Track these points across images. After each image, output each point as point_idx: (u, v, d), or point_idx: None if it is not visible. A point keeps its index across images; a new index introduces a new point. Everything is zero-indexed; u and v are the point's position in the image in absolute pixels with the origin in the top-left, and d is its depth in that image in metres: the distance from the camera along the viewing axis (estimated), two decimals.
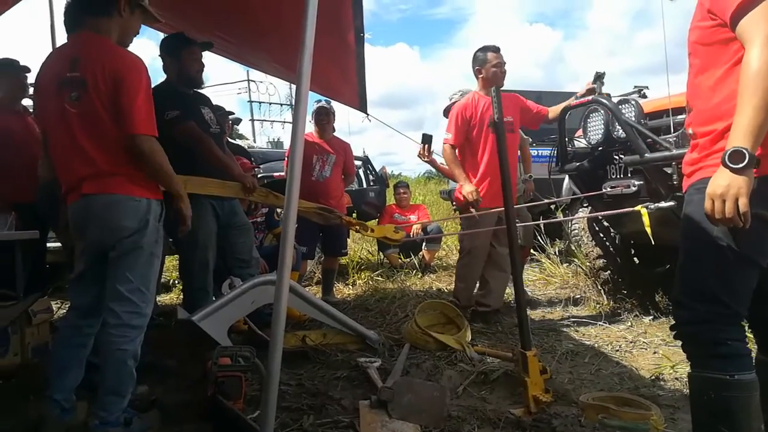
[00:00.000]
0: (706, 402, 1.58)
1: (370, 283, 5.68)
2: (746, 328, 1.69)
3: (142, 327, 2.15)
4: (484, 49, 3.99)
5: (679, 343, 1.69)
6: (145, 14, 2.30)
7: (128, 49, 2.23)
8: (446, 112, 4.58)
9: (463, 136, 3.96)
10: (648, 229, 2.99)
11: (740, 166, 1.37)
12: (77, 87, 2.05)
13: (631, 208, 3.20)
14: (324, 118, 4.74)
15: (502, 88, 3.03)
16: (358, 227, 3.71)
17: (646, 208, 3.07)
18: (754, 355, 2.61)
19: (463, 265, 4.11)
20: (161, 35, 3.75)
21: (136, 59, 2.13)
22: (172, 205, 2.26)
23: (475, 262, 4.01)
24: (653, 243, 3.10)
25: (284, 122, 22.69)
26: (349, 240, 7.42)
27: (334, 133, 4.90)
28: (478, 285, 4.11)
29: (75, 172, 2.10)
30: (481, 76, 3.98)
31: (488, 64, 3.94)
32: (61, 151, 2.14)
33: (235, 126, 8.27)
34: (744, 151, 1.36)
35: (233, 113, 6.40)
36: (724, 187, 1.39)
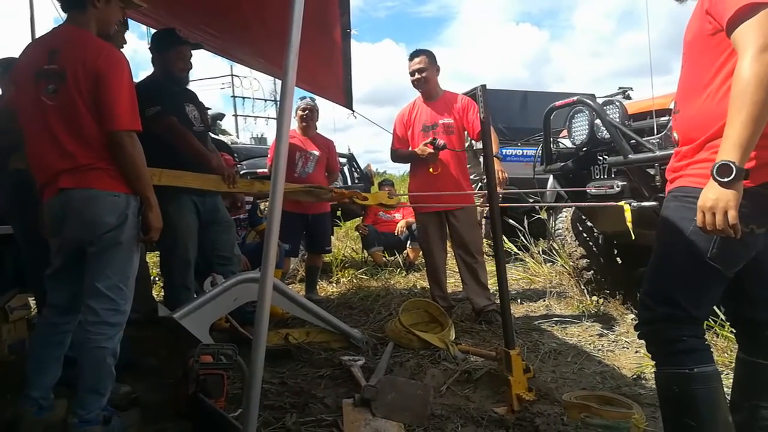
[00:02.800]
0: (671, 397, 1.63)
1: (354, 281, 5.66)
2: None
3: (121, 324, 2.11)
4: (409, 57, 4.02)
5: None
6: (125, 2, 2.27)
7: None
8: None
9: (405, 142, 4.07)
10: (629, 225, 3.01)
11: (727, 180, 1.38)
12: (54, 79, 2.01)
13: (614, 203, 3.23)
14: (308, 114, 4.71)
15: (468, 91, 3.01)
16: (352, 197, 3.62)
17: (629, 204, 3.09)
18: (719, 351, 2.66)
19: (426, 268, 4.22)
20: (142, 26, 3.71)
21: (117, 53, 2.10)
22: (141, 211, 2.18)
23: (433, 261, 4.06)
24: (634, 238, 3.13)
25: (268, 118, 22.54)
26: (333, 237, 7.41)
27: (318, 131, 4.87)
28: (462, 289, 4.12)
29: (51, 165, 2.05)
30: None
31: (409, 74, 3.99)
32: (37, 143, 2.09)
33: (218, 121, 8.20)
34: (731, 164, 1.37)
35: (210, 108, 6.31)
36: (713, 200, 1.40)
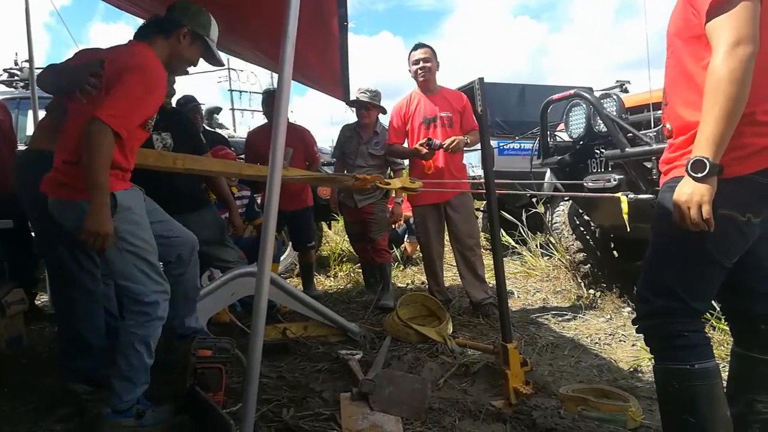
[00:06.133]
0: (670, 393, 1.62)
1: (352, 275, 5.66)
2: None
3: (145, 312, 2.11)
4: (412, 48, 4.02)
5: None
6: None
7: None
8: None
9: (402, 135, 4.08)
10: (625, 216, 3.02)
11: (701, 175, 1.41)
12: None
13: (611, 194, 3.24)
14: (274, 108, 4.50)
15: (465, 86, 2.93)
16: (375, 182, 3.54)
17: (626, 196, 3.10)
18: (716, 343, 2.67)
19: (424, 261, 4.25)
20: (139, 20, 3.67)
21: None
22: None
23: (429, 255, 4.08)
24: (629, 230, 3.14)
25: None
26: (330, 231, 7.39)
27: (294, 121, 4.68)
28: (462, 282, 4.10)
29: None
30: (411, 75, 4.02)
31: (410, 64, 3.98)
32: None
33: (215, 115, 8.16)
34: (705, 160, 1.40)
35: (203, 104, 6.10)
36: (688, 195, 1.44)
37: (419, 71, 3.92)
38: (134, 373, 2.10)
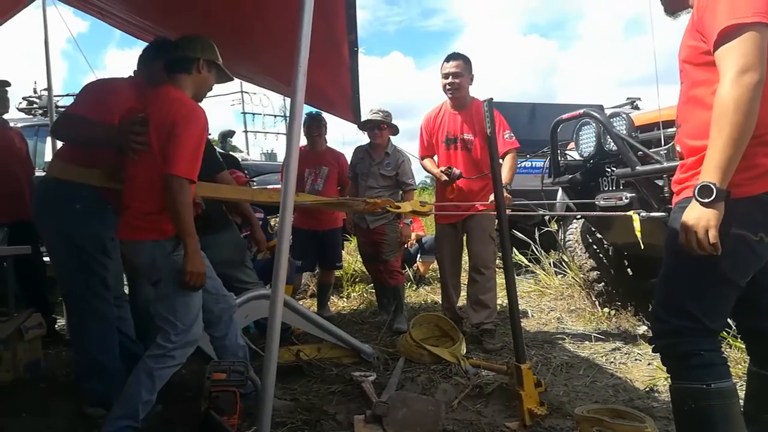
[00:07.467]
0: (687, 412, 1.61)
1: (365, 295, 5.66)
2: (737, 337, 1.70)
3: (164, 347, 2.18)
4: (445, 59, 3.86)
5: None
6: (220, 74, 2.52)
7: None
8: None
9: (431, 148, 4.05)
10: (638, 234, 3.01)
11: (708, 200, 1.43)
12: None
13: (623, 212, 3.23)
14: (315, 130, 4.58)
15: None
16: (385, 206, 3.52)
17: (638, 214, 3.09)
18: (733, 362, 2.64)
19: (440, 279, 4.23)
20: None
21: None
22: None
23: (443, 274, 4.07)
24: (642, 248, 3.12)
25: (278, 134, 22.72)
26: (343, 252, 7.41)
27: (327, 144, 4.82)
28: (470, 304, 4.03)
29: None
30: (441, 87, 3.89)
31: (441, 76, 3.84)
32: None
33: (229, 139, 8.28)
34: (712, 186, 1.42)
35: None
36: (695, 219, 1.45)
37: (448, 86, 3.80)
38: (126, 397, 2.13)
